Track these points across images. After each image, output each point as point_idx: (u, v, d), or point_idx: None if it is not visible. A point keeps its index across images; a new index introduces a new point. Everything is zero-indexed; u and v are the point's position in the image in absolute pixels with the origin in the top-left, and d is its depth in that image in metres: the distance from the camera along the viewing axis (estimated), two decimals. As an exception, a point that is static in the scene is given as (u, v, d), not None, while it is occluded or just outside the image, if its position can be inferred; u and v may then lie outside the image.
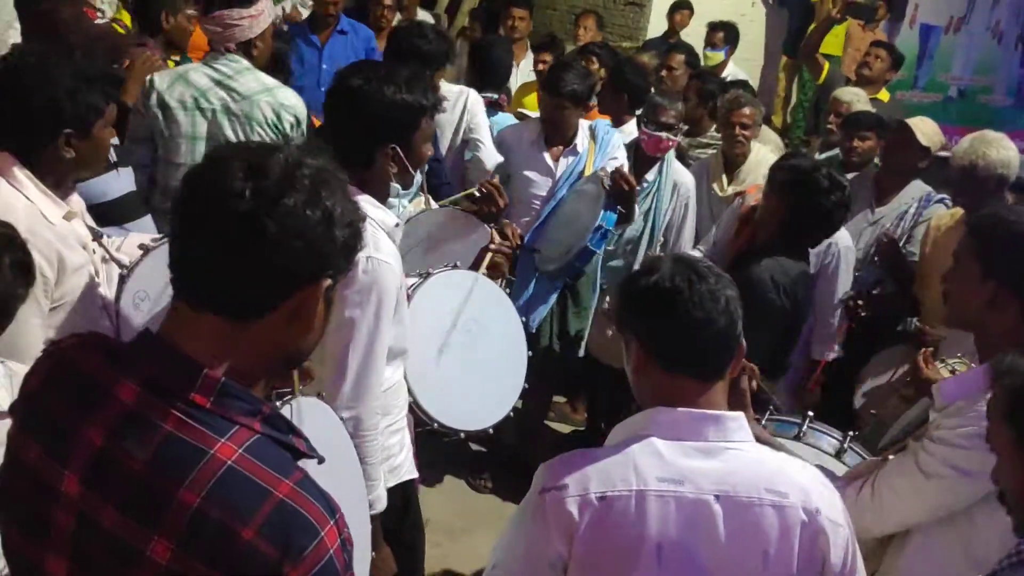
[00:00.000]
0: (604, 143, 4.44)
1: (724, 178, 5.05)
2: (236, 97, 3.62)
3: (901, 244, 4.53)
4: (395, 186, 3.30)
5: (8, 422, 2.02)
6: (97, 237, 2.55)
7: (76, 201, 2.52)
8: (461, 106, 4.52)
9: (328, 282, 1.32)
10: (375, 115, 2.44)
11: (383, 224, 2.46)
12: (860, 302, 4.25)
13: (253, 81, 3.65)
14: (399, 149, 2.47)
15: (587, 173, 4.36)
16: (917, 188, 4.68)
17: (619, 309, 1.91)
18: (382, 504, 2.57)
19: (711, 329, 1.77)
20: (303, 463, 1.33)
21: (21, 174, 2.37)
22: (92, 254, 2.51)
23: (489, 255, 3.16)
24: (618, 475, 1.74)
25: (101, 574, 1.28)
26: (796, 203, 3.39)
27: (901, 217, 4.64)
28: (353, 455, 2.48)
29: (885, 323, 4.40)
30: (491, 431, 3.10)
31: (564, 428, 5.39)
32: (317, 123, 4.45)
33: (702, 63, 6.94)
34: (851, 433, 2.70)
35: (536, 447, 4.55)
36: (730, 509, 1.72)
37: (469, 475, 4.79)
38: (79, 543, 1.28)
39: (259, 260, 1.24)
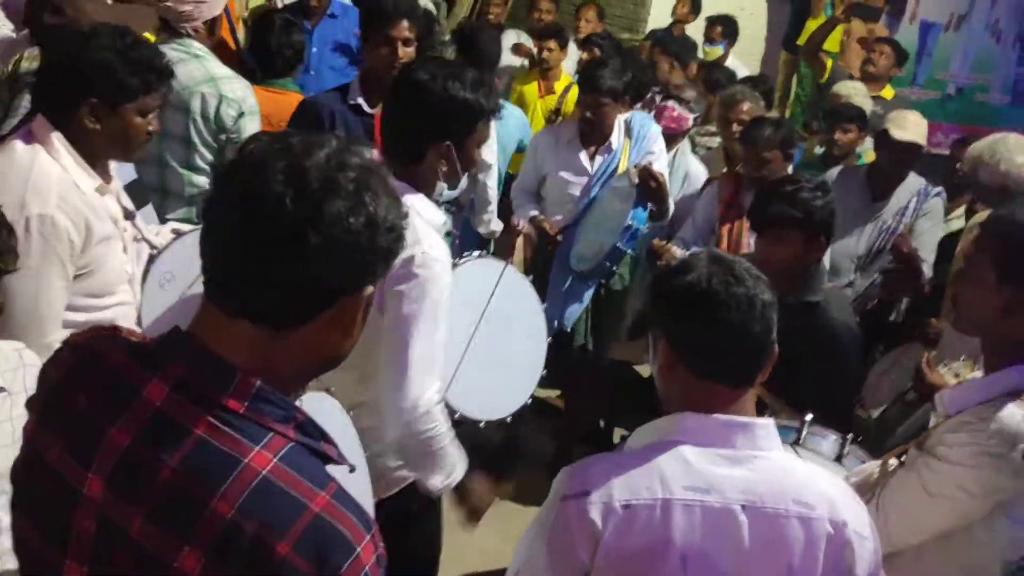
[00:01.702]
0: (640, 136, 4.41)
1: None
2: (174, 86, 3.38)
3: None
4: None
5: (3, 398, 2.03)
6: (130, 216, 2.56)
7: (113, 181, 2.54)
8: None
9: (370, 290, 1.26)
10: (434, 109, 2.43)
11: (432, 222, 2.46)
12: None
13: (197, 69, 3.52)
14: (452, 148, 2.45)
15: (621, 170, 4.34)
16: (914, 182, 4.69)
17: (650, 306, 1.84)
18: (457, 477, 2.53)
19: (745, 336, 1.72)
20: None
21: (58, 142, 2.39)
22: (123, 232, 2.53)
23: (519, 241, 3.15)
24: (643, 483, 1.69)
25: None
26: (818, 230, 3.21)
27: (901, 212, 4.64)
28: (360, 451, 2.44)
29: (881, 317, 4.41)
30: (508, 420, 3.04)
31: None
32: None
33: (700, 57, 6.95)
34: (850, 436, 2.67)
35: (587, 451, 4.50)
36: (756, 519, 1.68)
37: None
38: (100, 551, 1.22)
39: (299, 271, 1.17)
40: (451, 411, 2.76)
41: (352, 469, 1.30)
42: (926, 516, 2.15)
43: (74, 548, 1.23)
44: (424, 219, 2.41)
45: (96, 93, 2.38)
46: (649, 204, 4.28)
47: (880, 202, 4.64)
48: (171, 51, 3.47)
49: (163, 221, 3.24)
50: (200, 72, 3.54)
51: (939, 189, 4.69)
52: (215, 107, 3.53)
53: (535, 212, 4.56)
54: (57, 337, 2.37)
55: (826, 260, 3.95)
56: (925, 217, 4.59)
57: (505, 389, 3.02)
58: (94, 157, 2.47)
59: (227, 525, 1.16)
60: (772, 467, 1.72)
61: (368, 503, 2.44)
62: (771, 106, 6.14)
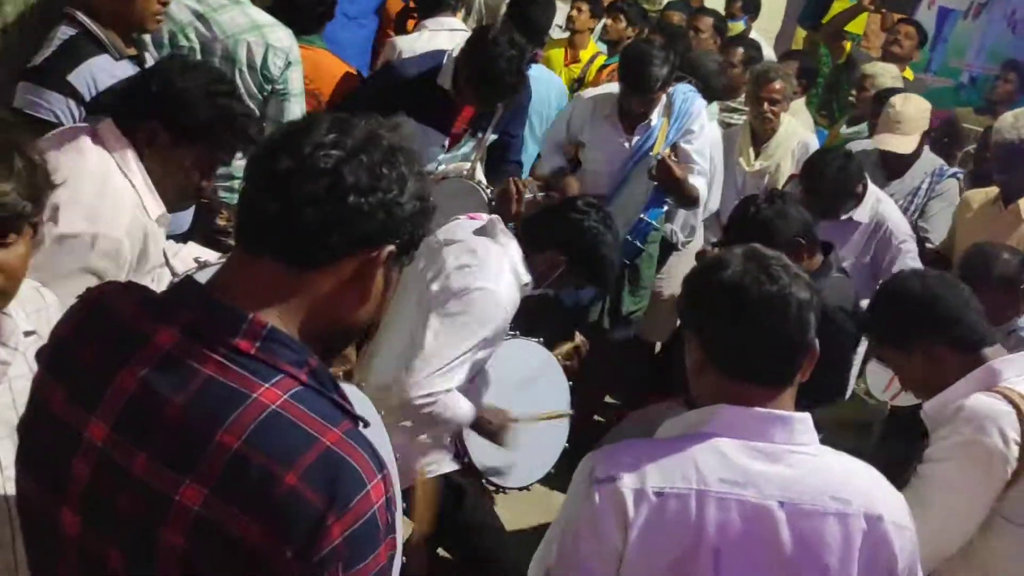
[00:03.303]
0: (681, 113, 4.27)
1: (751, 152, 4.96)
2: (218, 34, 3.35)
3: (914, 220, 4.51)
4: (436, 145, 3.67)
5: (31, 341, 1.92)
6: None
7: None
8: None
9: (391, 249, 1.28)
10: (583, 243, 2.87)
11: (520, 276, 2.83)
12: None
13: (240, 16, 3.38)
14: (566, 266, 2.87)
15: (656, 150, 4.22)
16: (929, 162, 4.66)
17: (684, 303, 1.82)
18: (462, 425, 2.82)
19: (777, 336, 1.68)
20: None
21: (133, 160, 2.25)
22: None
23: (567, 347, 3.38)
24: (677, 471, 1.66)
25: (122, 528, 1.21)
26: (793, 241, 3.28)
27: (913, 193, 4.61)
28: (387, 448, 2.54)
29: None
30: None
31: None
32: (351, 70, 4.21)
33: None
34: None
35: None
36: (793, 517, 1.65)
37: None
38: (96, 496, 1.22)
39: (331, 208, 1.22)
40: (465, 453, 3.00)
41: (366, 424, 1.28)
42: (922, 532, 2.06)
43: (71, 496, 1.24)
44: (516, 269, 2.80)
45: (165, 114, 2.25)
46: (666, 200, 4.28)
47: (893, 181, 4.59)
48: None
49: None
50: (243, 19, 3.40)
51: (955, 170, 4.70)
52: (262, 56, 3.39)
53: (561, 164, 4.43)
54: None
55: None
56: (938, 198, 4.59)
57: (517, 462, 3.12)
58: (160, 186, 2.33)
59: (232, 456, 1.16)
60: (810, 462, 1.70)
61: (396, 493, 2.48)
62: (811, 87, 6.03)
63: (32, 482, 1.30)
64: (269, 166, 1.25)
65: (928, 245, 4.42)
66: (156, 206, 2.29)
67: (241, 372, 1.19)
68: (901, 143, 4.49)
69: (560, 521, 1.77)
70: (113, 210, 2.18)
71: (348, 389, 2.46)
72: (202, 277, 2.00)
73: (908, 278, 2.55)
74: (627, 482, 1.65)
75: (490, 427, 2.88)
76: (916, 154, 4.59)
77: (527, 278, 2.85)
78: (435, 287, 2.76)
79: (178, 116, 2.24)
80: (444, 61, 3.74)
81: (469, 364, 2.71)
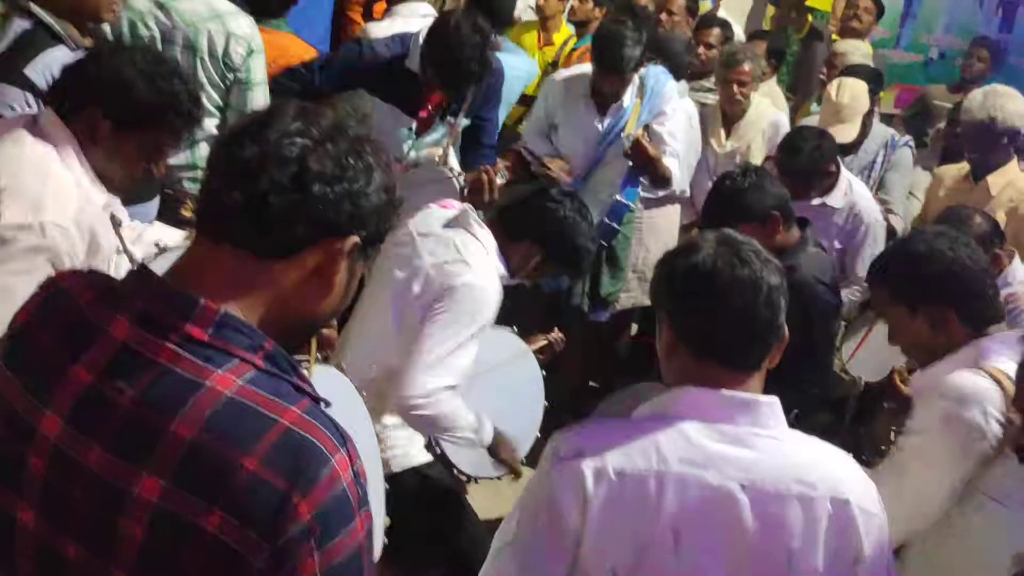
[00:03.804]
0: (653, 95, 4.25)
1: (722, 133, 4.96)
2: (178, 23, 3.29)
3: (873, 192, 4.55)
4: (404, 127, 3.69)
5: None
6: (117, 225, 2.36)
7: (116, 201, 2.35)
8: None
9: (355, 240, 1.27)
10: (546, 227, 2.87)
11: (500, 270, 2.83)
12: None
13: (200, 4, 3.32)
14: (542, 257, 2.88)
15: (628, 131, 4.20)
16: (880, 133, 4.70)
17: (655, 286, 1.83)
18: (487, 438, 2.85)
19: (749, 320, 1.69)
20: None
21: (73, 150, 2.17)
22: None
23: (544, 342, 3.37)
24: (638, 452, 1.66)
25: (79, 522, 1.20)
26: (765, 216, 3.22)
27: (869, 167, 4.66)
28: (370, 429, 2.54)
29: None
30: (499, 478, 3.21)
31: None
32: (304, 56, 4.12)
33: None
34: None
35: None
36: (756, 499, 1.65)
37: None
38: (54, 491, 1.21)
39: (296, 197, 1.21)
40: (436, 446, 2.99)
41: (327, 404, 1.26)
42: (897, 503, 2.07)
43: (27, 491, 1.23)
44: (496, 266, 2.80)
45: (105, 101, 2.17)
46: (641, 178, 4.25)
47: (847, 156, 4.59)
48: None
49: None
50: (203, 7, 3.32)
51: (907, 139, 4.75)
52: (223, 45, 3.32)
53: (546, 150, 4.38)
54: None
55: None
56: (894, 169, 4.66)
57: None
58: (106, 177, 2.26)
59: (189, 446, 1.15)
60: (775, 446, 1.69)
61: (378, 478, 2.53)
62: (780, 66, 6.02)
63: None
64: (233, 153, 1.23)
65: (890, 215, 4.47)
66: (100, 195, 2.23)
67: (194, 360, 1.18)
68: (844, 132, 4.50)
69: (522, 498, 1.78)
70: (56, 198, 2.11)
71: (327, 370, 2.50)
72: (163, 263, 1.99)
73: (936, 238, 2.46)
74: (588, 461, 1.65)
75: (504, 459, 2.94)
76: (865, 131, 4.61)
77: (502, 269, 2.83)
78: (416, 288, 2.73)
79: (118, 101, 2.17)
80: (411, 44, 3.69)
81: (462, 358, 2.69)
